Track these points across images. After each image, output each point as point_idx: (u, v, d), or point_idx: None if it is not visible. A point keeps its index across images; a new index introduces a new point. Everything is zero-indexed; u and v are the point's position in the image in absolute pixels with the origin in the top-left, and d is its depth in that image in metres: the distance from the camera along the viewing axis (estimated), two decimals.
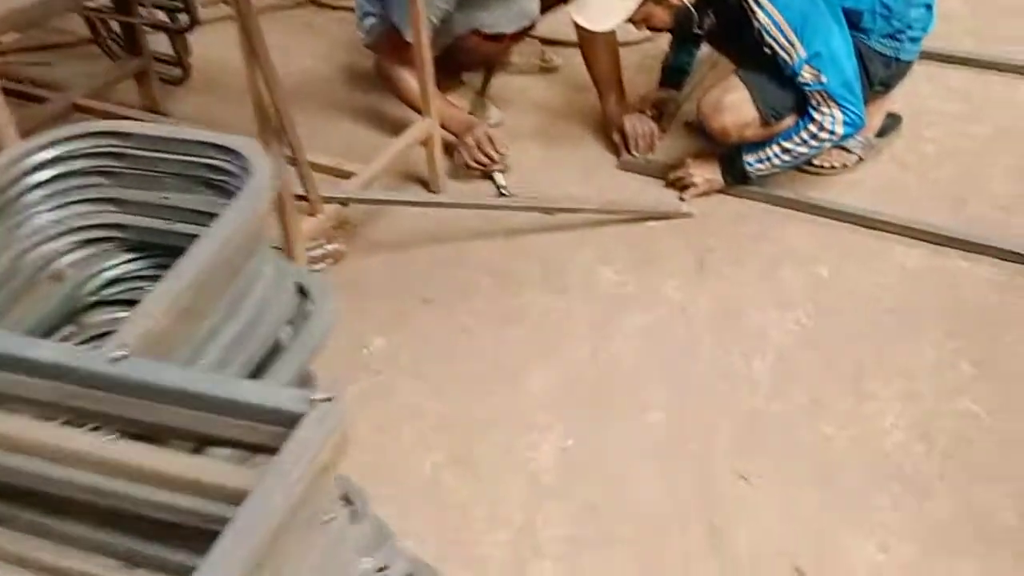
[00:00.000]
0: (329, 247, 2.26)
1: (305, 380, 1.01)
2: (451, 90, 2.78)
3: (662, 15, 2.25)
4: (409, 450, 1.81)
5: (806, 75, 2.13)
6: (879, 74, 2.29)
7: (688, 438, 1.79)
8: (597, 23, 2.23)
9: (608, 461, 1.76)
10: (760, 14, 2.13)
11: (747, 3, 2.14)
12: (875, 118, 2.47)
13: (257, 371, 0.94)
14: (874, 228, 2.30)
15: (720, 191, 2.44)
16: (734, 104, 2.24)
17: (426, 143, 2.41)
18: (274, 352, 0.96)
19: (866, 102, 2.26)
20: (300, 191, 1.99)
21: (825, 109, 2.18)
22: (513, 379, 1.94)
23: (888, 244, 2.26)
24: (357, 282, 2.22)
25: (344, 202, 2.13)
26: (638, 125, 2.58)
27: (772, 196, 2.40)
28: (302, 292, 1.02)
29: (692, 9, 2.24)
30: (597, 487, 1.71)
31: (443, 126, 2.49)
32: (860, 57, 2.22)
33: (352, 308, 2.13)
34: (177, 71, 3.04)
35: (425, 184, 2.52)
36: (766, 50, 2.17)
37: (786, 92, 2.21)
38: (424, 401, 1.91)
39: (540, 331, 2.06)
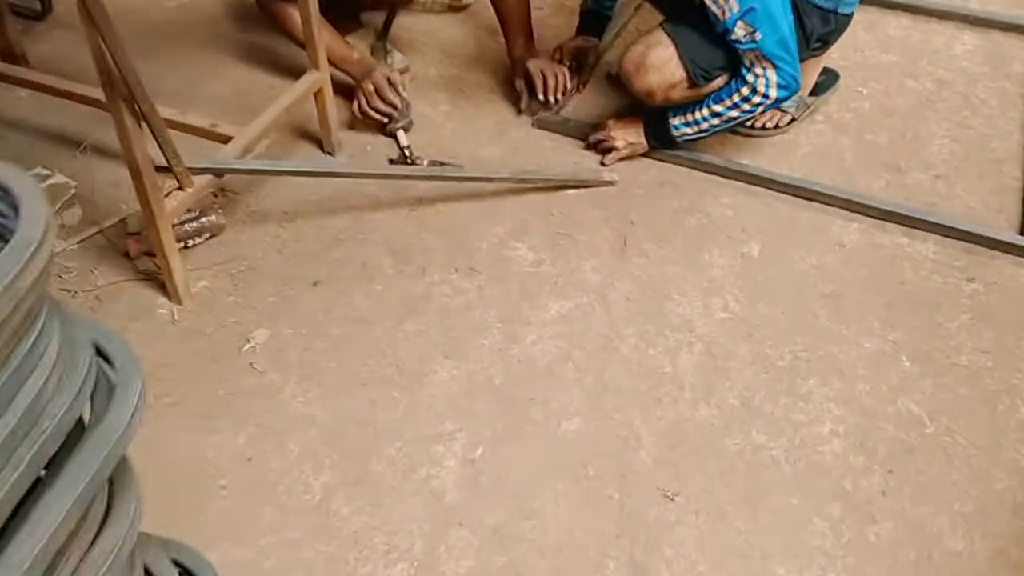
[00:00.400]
0: (205, 220, 1.99)
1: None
2: (349, 32, 2.48)
3: None
4: (296, 468, 1.58)
5: (738, 32, 1.91)
6: (817, 30, 2.08)
7: (607, 451, 1.61)
8: None
9: (519, 478, 1.57)
10: None
11: None
12: (810, 75, 2.27)
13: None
14: (809, 199, 2.12)
15: (644, 155, 2.22)
16: (659, 62, 2.01)
17: (316, 96, 2.13)
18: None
19: (802, 60, 2.05)
20: (161, 162, 1.70)
21: (758, 70, 1.96)
22: (414, 379, 1.73)
23: (825, 218, 2.08)
24: (238, 261, 1.95)
25: (218, 173, 1.84)
26: (545, 68, 2.33)
27: (699, 162, 2.20)
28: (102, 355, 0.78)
29: None
30: (506, 510, 1.52)
31: (339, 68, 2.21)
32: (796, 11, 2.01)
33: (233, 293, 1.88)
34: (36, 5, 2.66)
35: (319, 143, 2.24)
36: (695, 2, 1.94)
37: (716, 50, 1.99)
38: (313, 408, 1.68)
39: (445, 321, 1.84)
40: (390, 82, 2.25)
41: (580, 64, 2.45)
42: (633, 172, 2.20)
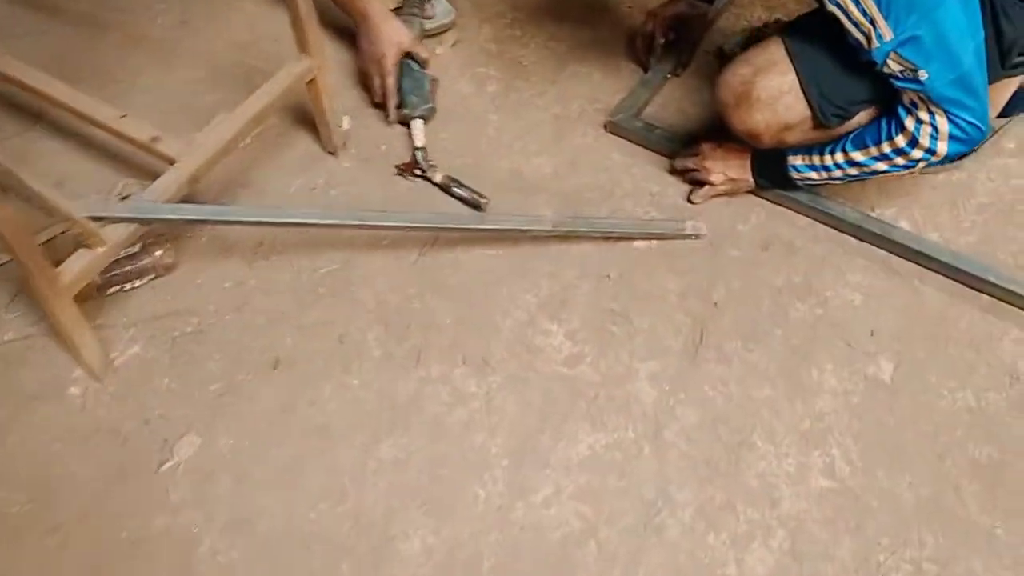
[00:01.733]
0: (148, 260, 1.52)
1: None
2: None
3: None
4: None
5: (893, 66, 1.25)
6: (1022, 39, 1.38)
7: None
8: None
9: None
10: None
11: None
12: (1002, 94, 1.58)
13: None
14: (978, 290, 1.49)
15: (749, 193, 1.61)
16: (772, 94, 1.37)
17: (310, 87, 1.58)
18: None
19: (994, 82, 1.38)
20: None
21: (923, 115, 1.31)
22: (374, 547, 1.26)
23: (997, 324, 1.47)
24: (185, 318, 1.49)
25: (135, 222, 1.35)
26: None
27: (824, 213, 1.57)
28: None
29: None
30: None
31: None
32: (991, 14, 1.32)
33: (168, 372, 1.43)
34: None
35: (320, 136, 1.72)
36: (827, 14, 1.28)
37: (858, 79, 1.34)
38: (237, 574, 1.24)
39: (435, 447, 1.35)
40: (411, 56, 1.69)
41: (680, 38, 1.80)
42: (729, 217, 1.60)
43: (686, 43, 1.80)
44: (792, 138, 1.44)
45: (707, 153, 1.58)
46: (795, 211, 1.60)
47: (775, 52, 1.36)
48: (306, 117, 1.73)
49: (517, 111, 1.79)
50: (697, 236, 1.57)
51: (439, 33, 1.90)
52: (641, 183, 1.67)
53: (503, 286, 1.52)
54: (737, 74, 1.39)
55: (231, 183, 1.65)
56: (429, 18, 1.89)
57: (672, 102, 1.79)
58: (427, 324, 1.48)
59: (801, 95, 1.35)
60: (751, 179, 1.55)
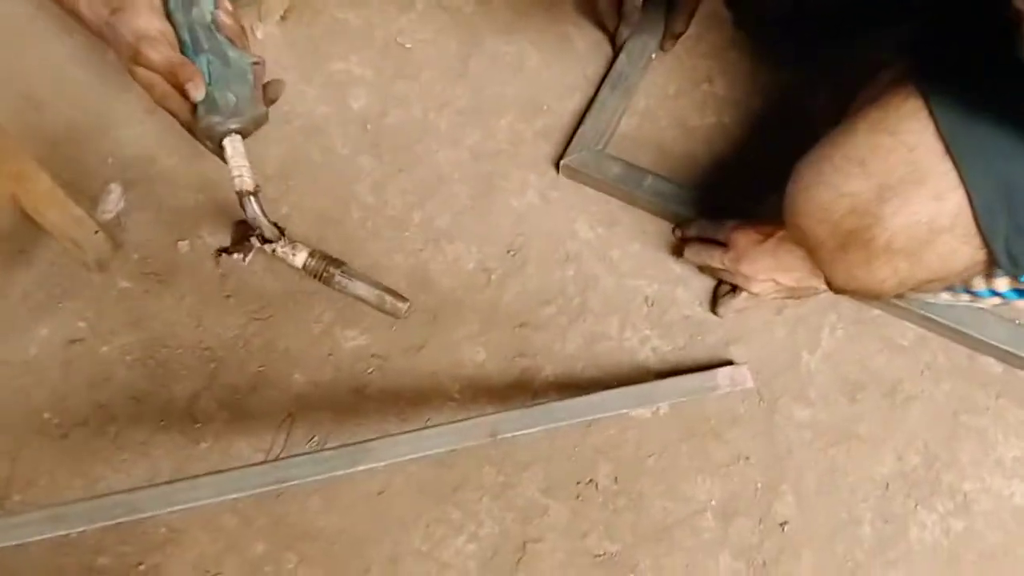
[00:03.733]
0: None
1: None
2: None
3: None
4: None
5: None
6: None
7: None
8: None
9: None
10: None
11: None
12: None
13: None
14: None
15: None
16: (920, 234, 0.67)
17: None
18: None
19: None
20: None
21: None
22: None
23: None
24: None
25: None
26: None
27: (953, 329, 0.91)
28: None
29: None
30: None
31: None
32: None
33: None
34: None
35: None
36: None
37: None
38: None
39: None
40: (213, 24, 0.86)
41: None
42: (787, 340, 0.94)
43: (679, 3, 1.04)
44: (940, 288, 0.76)
45: (739, 244, 0.89)
46: (894, 315, 0.94)
47: (917, 142, 0.64)
48: None
49: (407, 145, 1.05)
50: (743, 385, 0.90)
51: (254, 1, 1.11)
52: (628, 280, 0.98)
53: (410, 529, 0.87)
54: (839, 190, 0.68)
55: None
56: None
57: (663, 106, 1.06)
58: None
59: (975, 231, 0.65)
60: (820, 283, 0.87)
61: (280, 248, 0.94)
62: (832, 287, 0.77)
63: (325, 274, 0.94)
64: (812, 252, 0.74)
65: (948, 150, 0.64)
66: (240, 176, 0.80)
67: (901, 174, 0.65)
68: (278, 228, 0.89)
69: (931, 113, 0.65)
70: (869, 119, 0.69)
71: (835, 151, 0.70)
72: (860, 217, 0.67)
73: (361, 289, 0.94)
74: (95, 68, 1.07)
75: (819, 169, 0.70)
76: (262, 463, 0.81)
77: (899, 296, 0.82)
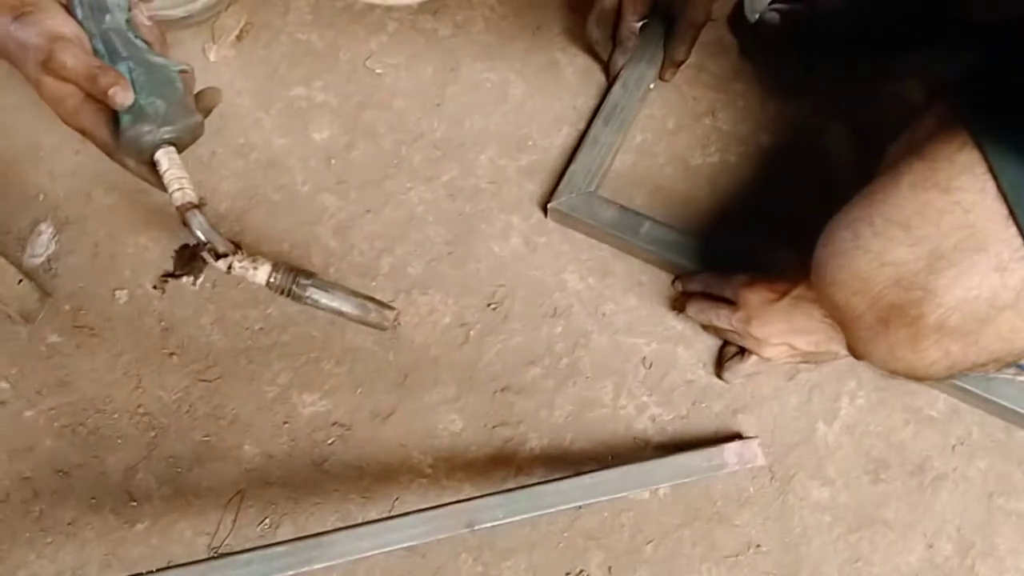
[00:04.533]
0: None
1: None
2: None
3: None
4: None
5: None
6: None
7: None
8: None
9: None
10: None
11: None
12: None
13: None
14: None
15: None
16: (977, 311, 0.57)
17: None
18: None
19: None
20: None
21: None
22: None
23: None
24: None
25: None
26: None
27: (988, 400, 0.81)
28: None
29: None
30: None
31: None
32: None
33: None
34: None
35: None
36: None
37: None
38: None
39: None
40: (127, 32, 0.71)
41: (667, 11, 0.95)
42: (800, 408, 0.84)
43: (681, 24, 0.94)
44: (994, 370, 0.66)
45: (749, 303, 0.78)
46: (955, 395, 0.84)
47: (974, 202, 0.54)
48: None
49: (376, 182, 0.94)
50: (754, 464, 0.80)
51: (206, 19, 0.99)
52: (623, 338, 0.87)
53: None
54: (881, 258, 0.58)
55: None
56: None
57: (661, 141, 0.96)
58: None
59: None
60: (840, 348, 0.76)
61: (238, 263, 0.78)
62: (867, 361, 0.66)
63: (295, 288, 0.79)
64: (846, 326, 0.64)
65: (1012, 212, 0.54)
66: (181, 189, 0.67)
67: (956, 240, 0.55)
68: (232, 242, 0.76)
69: (990, 168, 0.55)
70: (914, 173, 0.59)
71: (874, 211, 0.59)
72: (906, 290, 0.57)
73: (339, 301, 0.79)
74: (25, 91, 0.95)
75: (856, 232, 0.59)
76: (199, 561, 0.69)
77: (949, 378, 0.72)
